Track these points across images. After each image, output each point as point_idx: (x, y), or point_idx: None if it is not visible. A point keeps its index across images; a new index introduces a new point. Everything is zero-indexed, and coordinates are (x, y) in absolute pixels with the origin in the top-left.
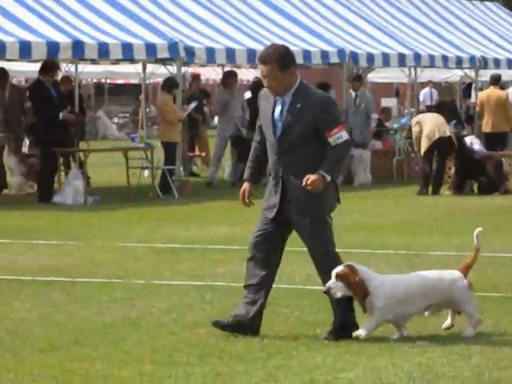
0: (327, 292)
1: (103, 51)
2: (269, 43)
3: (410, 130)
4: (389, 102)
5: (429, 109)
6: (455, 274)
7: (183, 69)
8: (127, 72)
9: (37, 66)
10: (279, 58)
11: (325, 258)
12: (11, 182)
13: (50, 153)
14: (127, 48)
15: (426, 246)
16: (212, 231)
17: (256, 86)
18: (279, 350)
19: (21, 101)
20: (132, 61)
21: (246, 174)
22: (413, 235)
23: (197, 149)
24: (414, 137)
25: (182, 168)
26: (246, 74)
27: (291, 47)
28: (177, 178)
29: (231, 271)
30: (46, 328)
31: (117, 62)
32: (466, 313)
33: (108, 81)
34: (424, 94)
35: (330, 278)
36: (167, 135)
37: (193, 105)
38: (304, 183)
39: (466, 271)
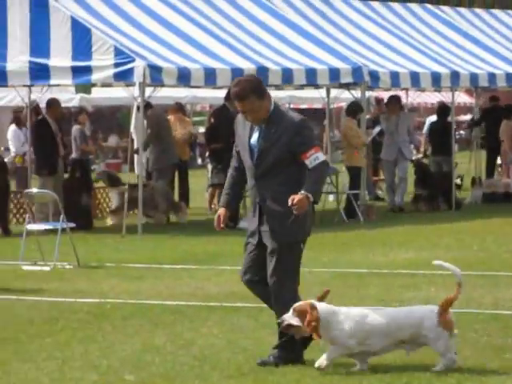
0: (281, 324)
1: (287, 77)
2: (453, 66)
3: None
4: None
5: None
6: (428, 310)
7: (367, 93)
8: (310, 97)
9: (220, 93)
10: (254, 89)
11: (279, 289)
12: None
13: None
14: (311, 73)
15: None
16: (398, 255)
17: (441, 110)
18: (468, 376)
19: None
20: (316, 86)
21: (222, 200)
22: None
23: (381, 173)
24: None
25: (366, 192)
26: (431, 97)
27: (475, 70)
28: (362, 202)
29: (418, 296)
30: (234, 354)
31: (300, 87)
32: (436, 351)
33: (291, 105)
34: None
35: (284, 311)
36: (352, 160)
37: (377, 129)
38: (290, 203)
39: (446, 306)
